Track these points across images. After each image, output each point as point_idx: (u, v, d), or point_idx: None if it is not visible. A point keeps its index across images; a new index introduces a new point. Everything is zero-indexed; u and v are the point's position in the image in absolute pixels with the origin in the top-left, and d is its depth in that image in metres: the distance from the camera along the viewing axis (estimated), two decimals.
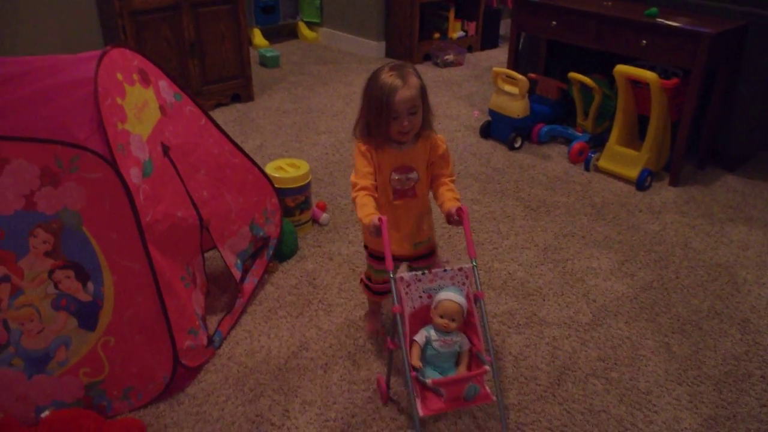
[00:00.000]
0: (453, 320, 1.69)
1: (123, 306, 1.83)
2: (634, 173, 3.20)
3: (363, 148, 1.81)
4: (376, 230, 1.68)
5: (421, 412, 1.60)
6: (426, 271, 1.72)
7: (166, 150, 2.00)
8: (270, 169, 2.62)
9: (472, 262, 1.74)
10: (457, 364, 1.73)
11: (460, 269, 1.74)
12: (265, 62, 4.85)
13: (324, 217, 2.79)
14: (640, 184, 3.18)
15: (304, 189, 2.65)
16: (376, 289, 2.08)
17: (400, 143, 1.81)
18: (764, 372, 2.08)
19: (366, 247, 2.04)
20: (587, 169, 3.36)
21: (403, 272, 1.77)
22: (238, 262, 2.28)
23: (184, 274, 2.03)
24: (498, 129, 3.63)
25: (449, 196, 1.83)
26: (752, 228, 2.91)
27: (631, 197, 3.12)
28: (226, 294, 2.33)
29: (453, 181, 1.89)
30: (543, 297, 2.39)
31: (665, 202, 3.10)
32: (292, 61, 5.01)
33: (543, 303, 2.36)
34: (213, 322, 2.18)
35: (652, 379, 2.03)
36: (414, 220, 1.92)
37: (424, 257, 2.00)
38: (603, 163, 3.32)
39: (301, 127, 3.77)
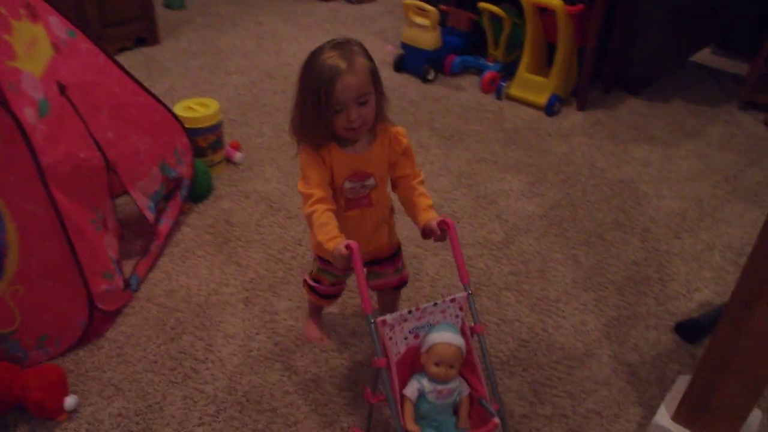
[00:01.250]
0: (451, 367, 1.38)
1: (29, 252, 1.77)
2: (543, 99, 3.28)
3: (312, 151, 1.47)
4: (345, 261, 1.37)
5: None
6: (413, 309, 1.40)
7: (62, 89, 1.91)
8: (179, 109, 2.55)
9: (465, 290, 1.45)
10: (455, 412, 1.45)
11: (453, 300, 1.43)
12: (170, 3, 4.63)
13: (238, 156, 2.76)
14: (549, 109, 3.27)
15: (216, 128, 2.60)
16: (327, 292, 1.80)
17: (352, 142, 1.49)
18: (661, 275, 2.24)
19: (317, 254, 1.73)
20: (499, 97, 3.43)
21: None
22: (151, 204, 2.23)
23: (94, 218, 1.98)
24: (411, 62, 3.63)
25: (423, 205, 1.52)
26: (653, 146, 3.06)
27: (541, 122, 3.22)
28: (141, 238, 2.28)
29: (422, 182, 1.58)
30: (458, 220, 2.46)
31: (573, 125, 3.21)
32: (199, 2, 4.80)
33: (458, 225, 2.43)
34: (129, 266, 2.14)
35: (561, 288, 2.15)
36: (369, 230, 1.62)
37: (386, 259, 1.72)
38: (513, 90, 3.40)
39: (211, 68, 3.66)
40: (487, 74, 3.48)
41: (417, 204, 1.53)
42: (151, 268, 2.17)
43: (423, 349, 1.41)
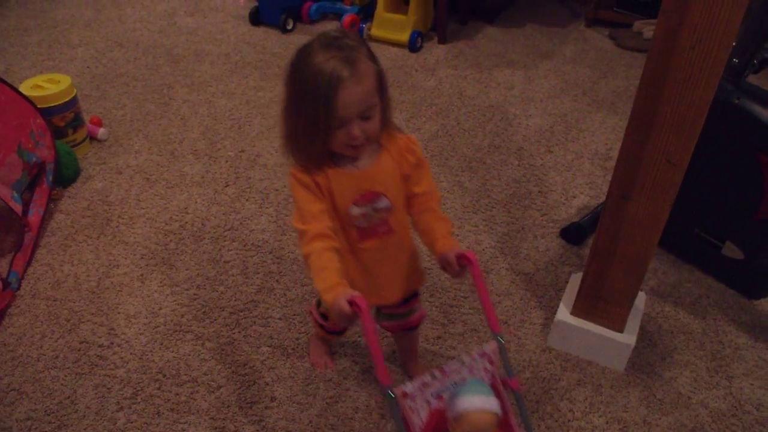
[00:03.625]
0: None
1: None
2: (404, 37, 3.32)
3: (303, 176, 1.20)
4: (347, 320, 1.11)
5: None
6: (436, 372, 1.15)
7: None
8: (25, 88, 2.34)
9: (497, 339, 1.20)
10: None
11: (482, 354, 1.19)
12: None
13: (102, 132, 2.58)
14: (412, 46, 3.32)
15: (71, 105, 2.41)
16: (333, 329, 1.57)
17: (351, 159, 1.22)
18: (540, 188, 2.38)
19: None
20: None
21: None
22: (15, 194, 2.06)
23: None
24: (267, 13, 3.53)
25: (442, 230, 1.27)
26: (514, 70, 3.20)
27: (406, 59, 3.26)
28: (11, 232, 2.11)
29: (439, 202, 1.34)
30: None
31: (437, 59, 3.28)
32: None
33: None
34: (4, 264, 1.98)
35: (452, 214, 2.24)
36: (398, 263, 1.35)
37: (407, 301, 1.47)
38: (375, 31, 3.41)
39: (51, 43, 3.37)
40: (347, 17, 3.46)
41: (435, 230, 1.27)
42: (29, 262, 2.02)
43: (450, 415, 1.15)
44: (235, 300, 1.89)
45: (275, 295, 1.90)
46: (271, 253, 2.05)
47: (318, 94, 1.10)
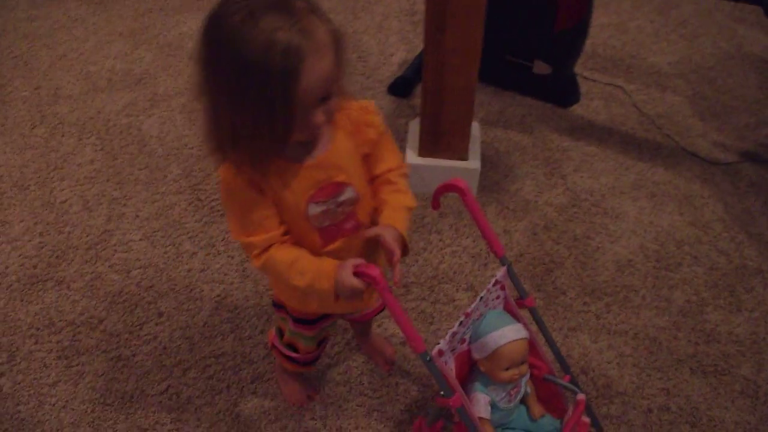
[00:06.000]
0: (523, 363, 1.14)
1: None
2: None
3: (237, 179, 0.94)
4: (361, 294, 0.95)
5: None
6: (461, 317, 1.08)
7: None
8: None
9: (503, 263, 1.13)
10: (522, 401, 1.23)
11: (495, 283, 1.12)
12: None
13: None
14: None
15: None
16: (309, 358, 1.31)
17: (304, 145, 0.97)
18: (358, 53, 2.40)
19: (279, 306, 1.22)
20: None
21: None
22: None
23: None
24: None
25: (393, 203, 1.06)
26: None
27: None
28: None
29: (405, 175, 1.10)
30: (154, 77, 2.33)
31: None
32: None
33: (156, 82, 2.30)
34: None
35: None
36: (369, 260, 1.05)
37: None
38: None
39: None
40: None
41: (388, 203, 1.06)
42: None
43: (481, 355, 1.14)
44: (87, 235, 1.78)
45: (127, 219, 1.82)
46: (108, 180, 1.93)
47: (270, 77, 0.81)
